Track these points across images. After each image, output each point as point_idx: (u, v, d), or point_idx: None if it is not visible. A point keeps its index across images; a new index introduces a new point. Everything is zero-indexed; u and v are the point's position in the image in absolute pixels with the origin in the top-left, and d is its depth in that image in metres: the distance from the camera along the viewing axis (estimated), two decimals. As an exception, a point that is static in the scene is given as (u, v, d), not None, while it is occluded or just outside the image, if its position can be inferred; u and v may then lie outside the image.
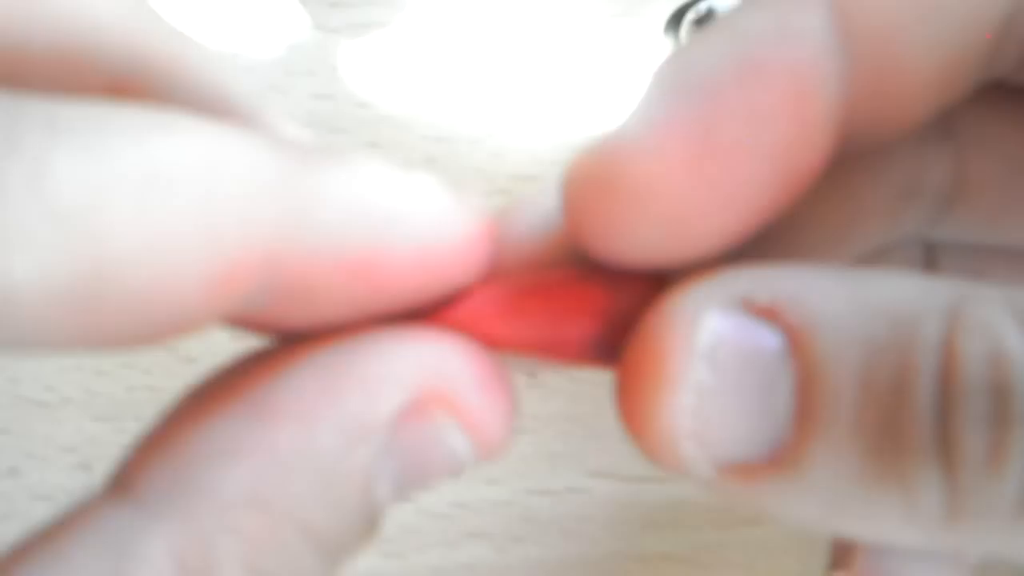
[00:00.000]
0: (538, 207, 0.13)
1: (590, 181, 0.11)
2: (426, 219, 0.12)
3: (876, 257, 0.13)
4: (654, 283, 0.12)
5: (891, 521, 0.09)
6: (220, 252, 0.09)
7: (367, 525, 0.12)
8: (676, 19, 0.29)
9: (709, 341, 0.10)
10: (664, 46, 0.29)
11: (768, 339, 0.10)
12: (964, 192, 0.12)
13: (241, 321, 0.12)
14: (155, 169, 0.09)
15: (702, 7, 0.28)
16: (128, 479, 0.11)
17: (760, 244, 0.11)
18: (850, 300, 0.10)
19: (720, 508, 0.24)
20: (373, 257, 0.11)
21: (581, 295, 0.12)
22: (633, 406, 0.11)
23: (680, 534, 0.24)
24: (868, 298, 0.10)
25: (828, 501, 0.10)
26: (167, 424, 0.12)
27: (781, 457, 0.10)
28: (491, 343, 0.12)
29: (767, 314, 0.10)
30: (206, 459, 0.11)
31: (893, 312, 0.09)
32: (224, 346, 0.25)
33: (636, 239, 0.11)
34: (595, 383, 0.26)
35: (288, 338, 0.12)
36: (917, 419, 0.09)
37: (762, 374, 0.10)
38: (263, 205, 0.10)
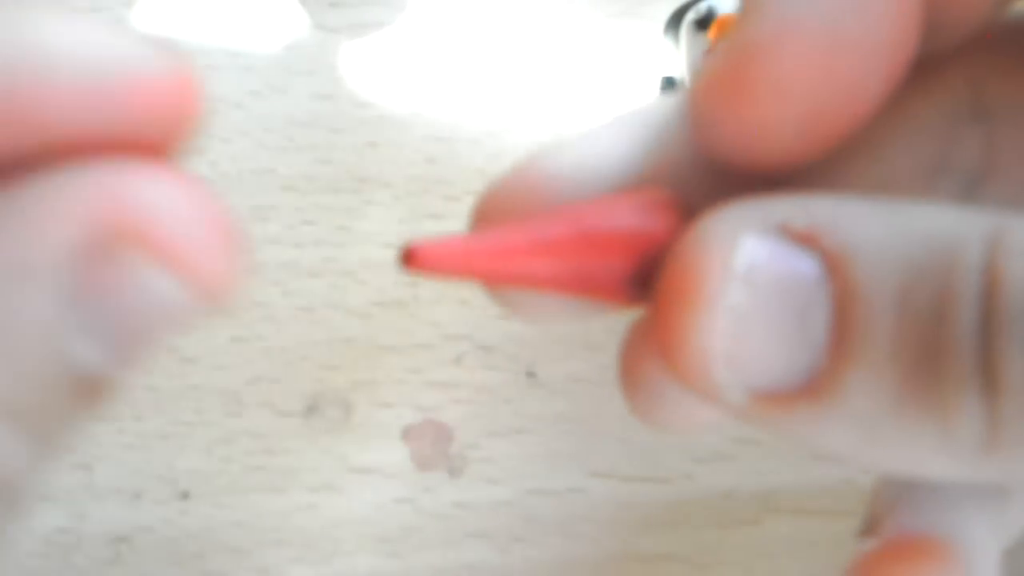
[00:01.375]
0: (577, 154, 0.13)
1: (725, 81, 0.11)
2: (95, 52, 0.09)
3: None
4: (686, 218, 0.12)
5: (928, 450, 0.09)
6: None
7: (76, 390, 0.10)
8: (676, 19, 0.29)
9: (745, 263, 0.10)
10: (664, 46, 0.29)
11: (805, 264, 0.10)
12: (995, 170, 0.12)
13: None
14: None
15: (702, 7, 0.28)
16: None
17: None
18: (888, 226, 0.09)
19: (720, 508, 0.24)
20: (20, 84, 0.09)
21: (613, 230, 0.12)
22: (667, 328, 0.10)
23: (680, 534, 0.24)
24: (907, 224, 0.09)
25: (864, 429, 0.09)
26: None
27: (817, 384, 0.09)
28: (524, 279, 0.12)
29: (805, 239, 0.10)
30: None
31: (932, 238, 0.09)
32: (224, 346, 0.25)
33: (771, 136, 0.11)
34: (595, 383, 0.26)
35: None
36: (958, 344, 0.09)
37: (798, 299, 0.10)
38: None
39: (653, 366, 0.14)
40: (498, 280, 0.12)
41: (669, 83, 0.28)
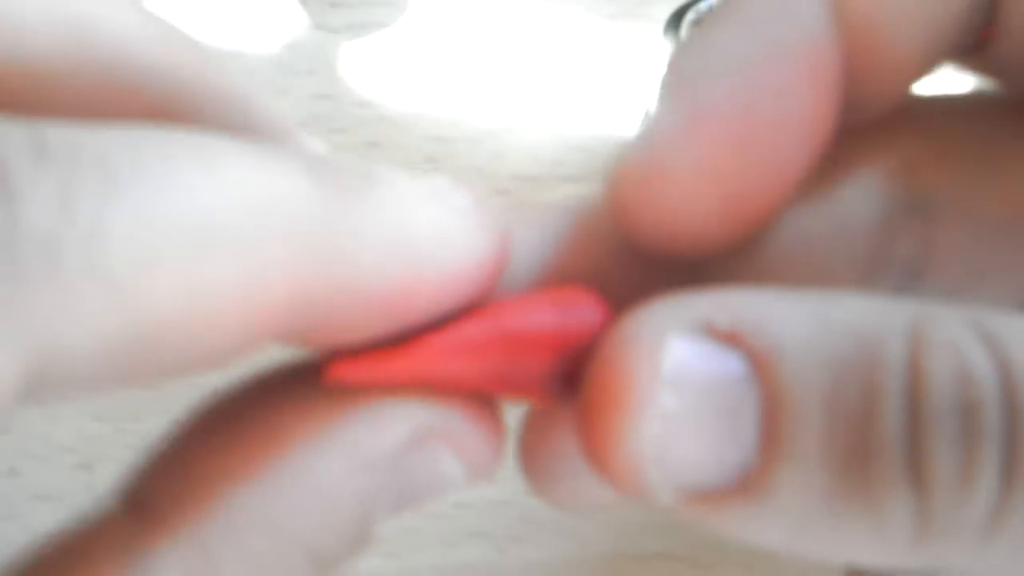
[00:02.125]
0: (527, 231, 0.13)
1: (642, 168, 0.12)
2: (459, 245, 0.12)
3: None
4: (607, 314, 0.12)
5: (860, 543, 0.09)
6: (262, 298, 0.10)
7: (360, 543, 0.12)
8: (676, 19, 0.29)
9: (672, 367, 0.10)
10: (664, 46, 0.29)
11: (731, 364, 0.10)
12: (933, 262, 0.12)
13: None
14: (204, 220, 0.09)
15: (702, 7, 0.28)
16: (140, 496, 0.12)
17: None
18: (812, 322, 0.09)
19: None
20: (409, 289, 0.11)
21: (533, 330, 0.12)
22: (596, 433, 0.10)
23: (680, 534, 0.24)
24: (830, 319, 0.09)
25: (795, 525, 0.10)
26: (178, 443, 0.12)
27: (747, 483, 0.10)
28: (448, 383, 0.13)
29: (729, 339, 0.10)
30: (219, 482, 0.11)
31: (857, 333, 0.09)
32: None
33: (691, 221, 0.11)
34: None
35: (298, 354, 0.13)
36: (886, 441, 0.09)
37: (727, 400, 0.10)
38: (305, 248, 0.10)
39: (553, 449, 0.14)
40: (422, 384, 0.13)
41: (669, 83, 0.28)
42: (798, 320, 0.10)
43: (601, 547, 0.24)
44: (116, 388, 0.10)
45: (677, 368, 0.10)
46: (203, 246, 0.09)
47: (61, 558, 0.11)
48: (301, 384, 0.12)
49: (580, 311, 0.12)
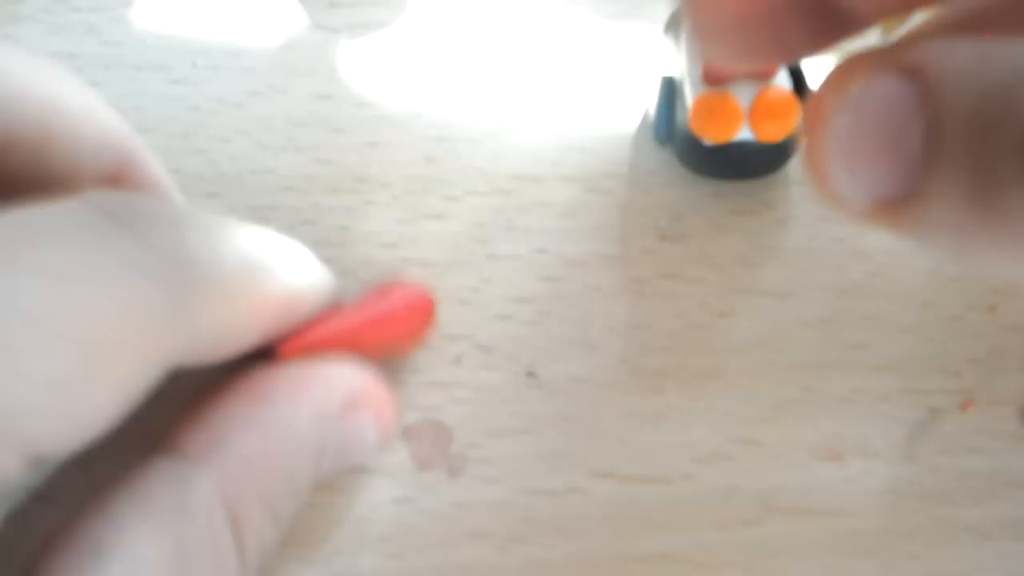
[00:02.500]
0: None
1: None
2: (291, 289, 0.19)
3: None
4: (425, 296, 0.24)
5: (1006, 252, 0.11)
6: (126, 370, 0.14)
7: (312, 487, 0.17)
8: (676, 19, 0.29)
9: (857, 91, 0.11)
10: (664, 46, 0.29)
11: (905, 90, 0.11)
12: None
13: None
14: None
15: (702, 7, 0.28)
16: (175, 442, 0.17)
17: None
18: (977, 55, 0.11)
19: (720, 508, 0.24)
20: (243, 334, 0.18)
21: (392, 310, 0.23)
22: (807, 147, 0.13)
23: (680, 534, 0.24)
24: (994, 55, 0.11)
25: (954, 235, 0.11)
26: (198, 403, 0.17)
27: (915, 194, 0.11)
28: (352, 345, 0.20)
29: (911, 73, 0.11)
30: (231, 428, 0.16)
31: (1015, 65, 0.10)
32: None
33: None
34: (595, 383, 0.26)
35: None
36: (1010, 147, 0.10)
37: (898, 119, 0.11)
38: (159, 336, 0.14)
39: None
40: (340, 348, 0.20)
41: (669, 83, 0.28)
42: (967, 55, 0.11)
43: (601, 547, 0.24)
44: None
45: (860, 92, 0.11)
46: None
47: (125, 486, 0.16)
48: (272, 368, 0.18)
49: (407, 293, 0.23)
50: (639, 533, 0.24)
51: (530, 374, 0.26)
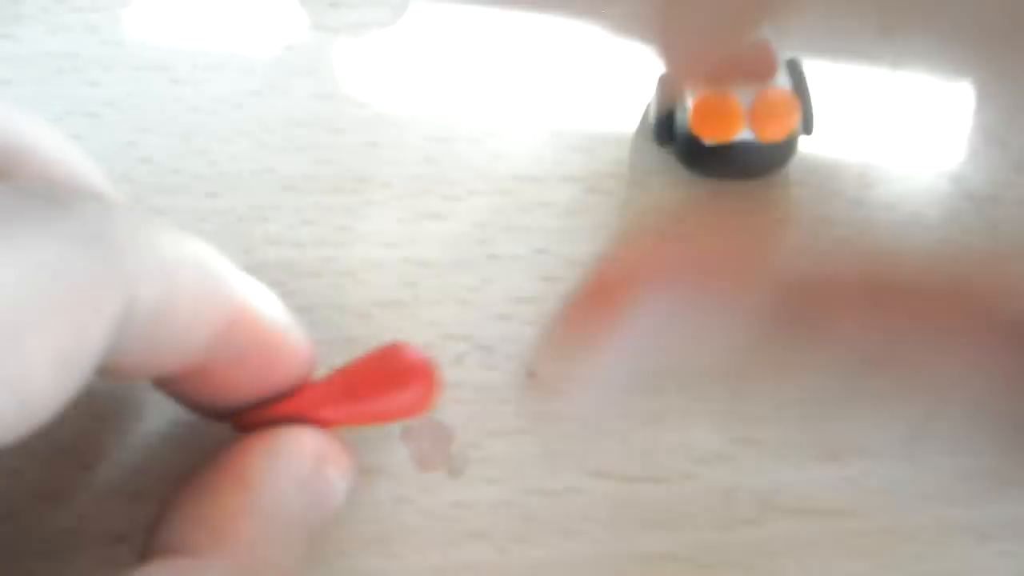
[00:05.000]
0: None
1: None
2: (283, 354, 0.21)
3: None
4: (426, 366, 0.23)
5: None
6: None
7: (305, 547, 0.19)
8: (676, 19, 0.29)
9: None
10: (664, 46, 0.29)
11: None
12: None
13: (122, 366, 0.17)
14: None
15: (702, 7, 0.27)
16: (178, 542, 0.17)
17: None
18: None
19: (720, 508, 0.24)
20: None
21: (388, 379, 0.22)
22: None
23: (680, 534, 0.24)
24: None
25: None
26: (184, 496, 0.18)
27: None
28: (326, 423, 0.21)
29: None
30: (229, 520, 0.17)
31: None
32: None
33: None
34: (595, 383, 0.25)
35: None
36: None
37: None
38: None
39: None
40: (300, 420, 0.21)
41: (668, 83, 0.28)
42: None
43: (601, 547, 0.24)
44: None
45: None
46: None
47: None
48: (247, 444, 0.19)
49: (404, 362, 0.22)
50: (639, 533, 0.24)
51: (530, 374, 0.26)
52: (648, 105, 0.29)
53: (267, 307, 0.20)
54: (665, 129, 0.28)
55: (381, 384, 0.22)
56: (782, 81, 0.27)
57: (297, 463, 0.19)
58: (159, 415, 0.24)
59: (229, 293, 0.18)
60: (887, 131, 0.30)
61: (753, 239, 0.19)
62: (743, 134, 0.26)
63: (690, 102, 0.27)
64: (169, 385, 0.20)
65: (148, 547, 0.17)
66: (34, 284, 0.13)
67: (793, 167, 0.29)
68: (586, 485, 0.24)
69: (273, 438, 0.19)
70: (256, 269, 0.27)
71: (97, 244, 0.14)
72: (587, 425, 0.25)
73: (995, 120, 0.30)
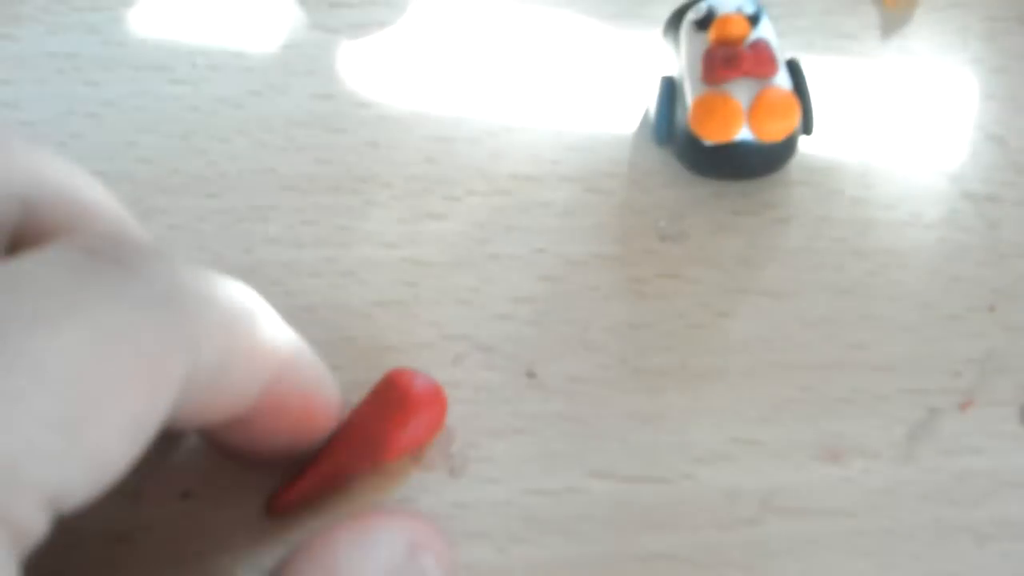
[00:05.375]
0: None
1: None
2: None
3: None
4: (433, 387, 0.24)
5: None
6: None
7: None
8: (676, 19, 0.29)
9: None
10: (663, 47, 0.29)
11: None
12: None
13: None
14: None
15: (702, 7, 0.28)
16: None
17: None
18: None
19: (720, 508, 0.24)
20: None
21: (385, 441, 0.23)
22: None
23: (680, 534, 0.24)
24: None
25: None
26: None
27: None
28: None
29: None
30: None
31: None
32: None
33: None
34: (595, 383, 0.26)
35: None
36: None
37: None
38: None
39: None
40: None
41: (669, 83, 0.28)
42: None
43: (601, 547, 0.24)
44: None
45: None
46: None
47: None
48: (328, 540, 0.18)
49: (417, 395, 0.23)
50: (639, 533, 0.24)
51: (530, 374, 0.26)
52: (648, 105, 0.29)
53: (308, 355, 0.20)
54: (665, 129, 0.28)
55: (397, 420, 0.23)
56: (782, 81, 0.27)
57: (388, 553, 0.18)
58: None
59: (279, 344, 0.18)
60: (887, 131, 0.30)
61: None
62: (743, 134, 0.26)
63: (690, 102, 0.27)
64: (208, 432, 0.20)
65: None
66: (109, 353, 0.13)
67: (793, 166, 0.29)
68: (586, 485, 0.24)
69: (362, 526, 0.18)
70: (256, 269, 0.27)
71: (164, 308, 0.14)
72: (587, 425, 0.25)
73: (994, 120, 0.30)
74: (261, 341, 0.17)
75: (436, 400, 0.23)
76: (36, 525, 0.13)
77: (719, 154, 0.27)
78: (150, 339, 0.14)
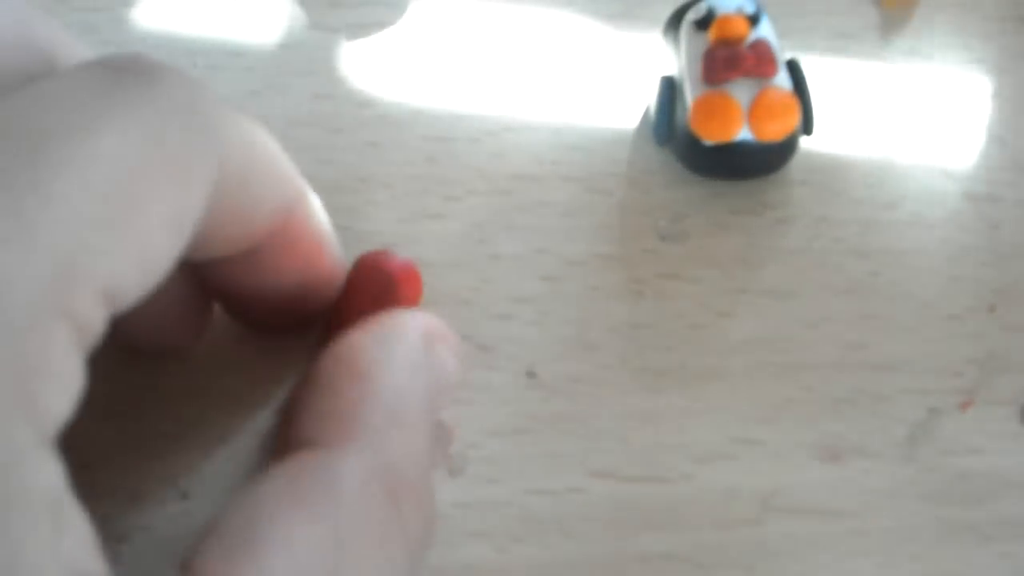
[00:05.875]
0: None
1: None
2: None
3: None
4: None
5: None
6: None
7: (432, 435, 0.19)
8: (676, 19, 0.29)
9: None
10: (663, 47, 0.29)
11: None
12: None
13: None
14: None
15: (702, 7, 0.28)
16: (306, 436, 0.18)
17: None
18: None
19: (720, 508, 0.24)
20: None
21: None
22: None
23: (680, 534, 0.24)
24: None
25: None
26: (298, 400, 0.19)
27: None
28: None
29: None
30: (354, 409, 0.18)
31: None
32: (223, 347, 0.25)
33: None
34: (595, 383, 0.26)
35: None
36: None
37: None
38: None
39: None
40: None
41: (669, 83, 0.28)
42: None
43: (601, 547, 0.24)
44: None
45: None
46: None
47: None
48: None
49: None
50: (639, 533, 0.24)
51: (530, 374, 0.26)
52: (648, 105, 0.29)
53: (317, 201, 0.21)
54: (665, 129, 0.28)
55: (387, 304, 0.23)
56: (782, 81, 0.27)
57: (406, 348, 0.19)
58: (159, 415, 0.24)
59: (293, 174, 0.19)
60: (887, 131, 0.30)
61: None
62: (743, 134, 0.26)
63: (690, 102, 0.27)
64: (224, 269, 0.20)
65: (280, 448, 0.18)
66: (143, 156, 0.14)
67: (793, 166, 0.29)
68: (586, 485, 0.24)
69: (379, 324, 0.19)
70: (256, 269, 0.27)
71: (189, 114, 0.15)
72: (587, 425, 0.25)
73: (995, 120, 0.30)
74: (278, 164, 0.18)
75: (415, 275, 0.24)
76: (96, 320, 0.14)
77: (719, 154, 0.27)
78: (178, 141, 0.15)
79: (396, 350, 0.19)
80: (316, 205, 0.21)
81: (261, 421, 0.25)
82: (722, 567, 0.23)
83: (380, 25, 0.31)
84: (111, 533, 0.23)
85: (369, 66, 0.30)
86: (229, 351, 0.25)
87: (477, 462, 0.24)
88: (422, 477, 0.18)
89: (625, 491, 0.24)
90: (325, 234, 0.21)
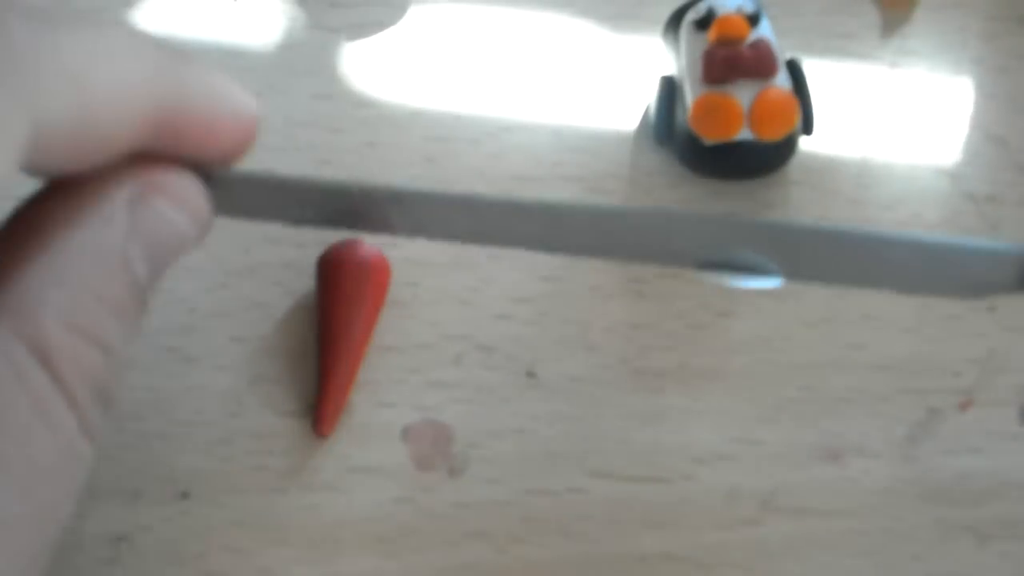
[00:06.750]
0: None
1: None
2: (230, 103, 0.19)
3: None
4: None
5: None
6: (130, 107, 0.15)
7: (139, 304, 0.16)
8: (675, 20, 0.29)
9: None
10: (663, 47, 0.29)
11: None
12: None
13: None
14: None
15: (702, 7, 0.28)
16: None
17: None
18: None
19: (720, 508, 0.24)
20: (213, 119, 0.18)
21: None
22: None
23: (680, 534, 0.24)
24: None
25: None
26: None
27: None
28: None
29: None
30: (12, 271, 0.15)
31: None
32: (224, 346, 0.25)
33: None
34: (595, 383, 0.26)
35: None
36: None
37: None
38: (149, 83, 0.16)
39: None
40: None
41: (669, 83, 0.28)
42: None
43: (601, 547, 0.24)
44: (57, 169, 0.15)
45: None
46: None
47: None
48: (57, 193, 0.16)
49: None
50: (639, 533, 0.24)
51: (530, 374, 0.26)
52: (648, 105, 0.29)
53: (197, 76, 0.19)
54: (665, 129, 0.28)
55: (365, 292, 0.25)
56: (782, 81, 0.27)
57: (101, 207, 0.16)
58: (159, 415, 0.24)
59: (152, 75, 0.17)
60: (887, 131, 0.30)
61: None
62: (743, 134, 0.26)
63: (690, 102, 0.27)
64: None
65: None
66: None
67: (793, 166, 0.29)
68: (586, 485, 0.24)
69: (77, 188, 0.17)
70: (256, 269, 0.27)
71: None
72: (587, 425, 0.25)
73: (995, 120, 0.30)
74: (127, 82, 0.16)
75: (384, 262, 0.26)
76: (15, 135, 0.13)
77: (719, 154, 0.27)
78: None
79: (89, 208, 0.16)
80: (197, 79, 0.18)
81: (261, 421, 0.25)
82: (722, 567, 0.23)
83: (380, 25, 0.31)
84: (111, 533, 0.23)
85: (369, 66, 0.30)
86: (228, 351, 0.25)
87: (477, 462, 0.24)
88: (102, 351, 0.16)
89: (625, 491, 0.24)
90: (217, 104, 0.19)
